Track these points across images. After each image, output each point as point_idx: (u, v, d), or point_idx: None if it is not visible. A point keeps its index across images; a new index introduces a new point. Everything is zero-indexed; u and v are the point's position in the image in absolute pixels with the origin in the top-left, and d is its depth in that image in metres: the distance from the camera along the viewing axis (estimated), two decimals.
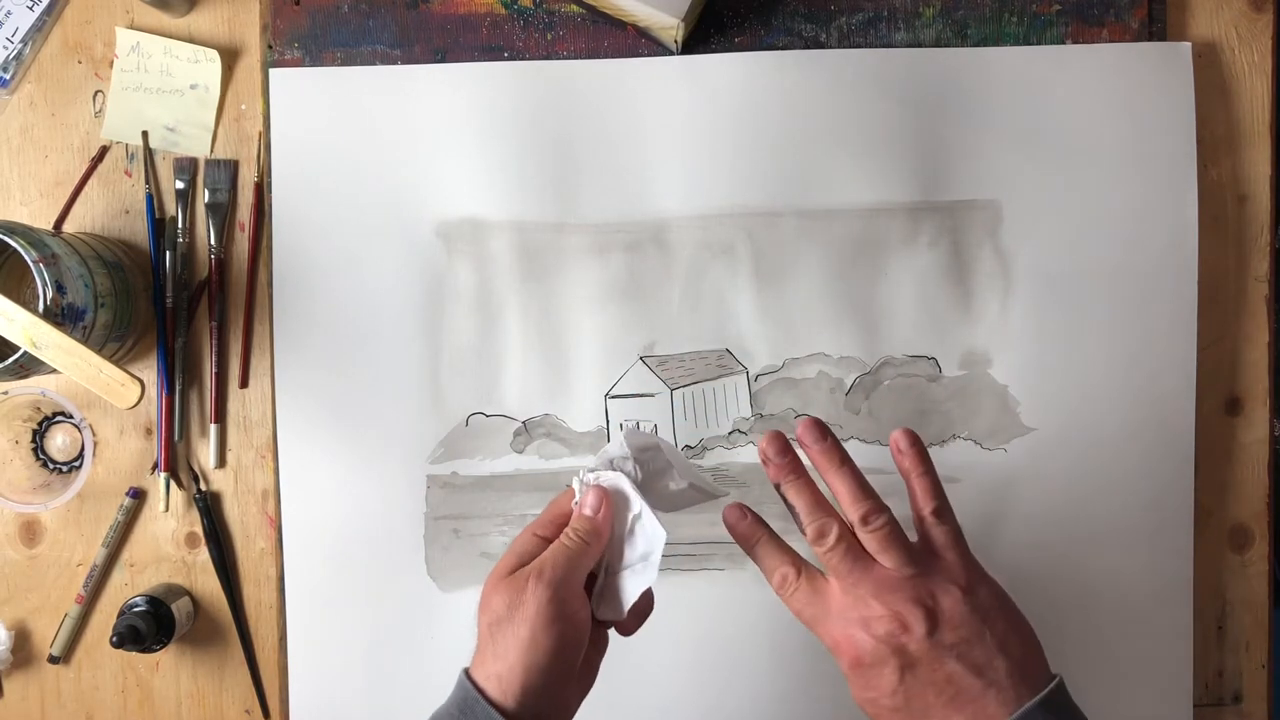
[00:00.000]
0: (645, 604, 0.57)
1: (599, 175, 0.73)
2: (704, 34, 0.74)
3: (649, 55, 0.73)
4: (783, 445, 0.55)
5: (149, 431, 0.75)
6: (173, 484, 0.74)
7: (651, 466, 0.57)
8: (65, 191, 0.74)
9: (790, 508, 0.55)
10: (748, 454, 0.74)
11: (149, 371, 0.74)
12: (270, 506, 0.74)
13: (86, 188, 0.74)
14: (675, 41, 0.71)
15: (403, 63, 0.73)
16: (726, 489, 0.60)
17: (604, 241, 0.73)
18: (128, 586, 0.75)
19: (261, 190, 0.74)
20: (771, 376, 0.74)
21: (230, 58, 0.74)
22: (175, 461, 0.74)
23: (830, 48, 0.74)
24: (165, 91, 0.74)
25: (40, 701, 0.76)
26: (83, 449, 0.74)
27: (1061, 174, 0.73)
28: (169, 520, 0.75)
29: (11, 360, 0.62)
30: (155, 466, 0.74)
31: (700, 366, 0.74)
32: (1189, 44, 0.73)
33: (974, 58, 0.73)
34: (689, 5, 0.68)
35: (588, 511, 0.55)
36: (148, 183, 0.74)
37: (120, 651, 0.71)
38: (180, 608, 0.72)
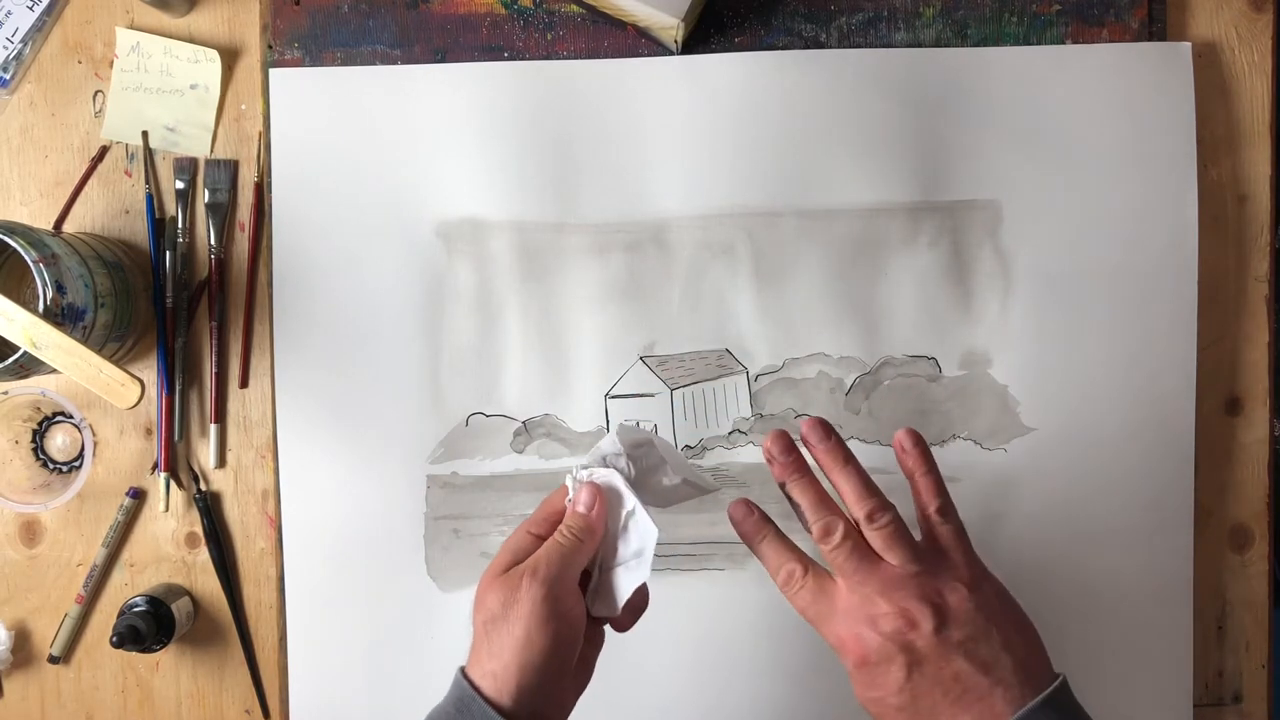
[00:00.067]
0: (640, 600, 0.57)
1: (599, 175, 0.73)
2: (704, 34, 0.74)
3: (649, 55, 0.73)
4: (787, 444, 0.56)
5: (149, 431, 0.75)
6: (173, 484, 0.74)
7: (645, 463, 0.57)
8: (65, 191, 0.74)
9: (795, 506, 0.55)
10: (748, 454, 0.74)
11: (149, 371, 0.74)
12: (270, 506, 0.74)
13: (86, 188, 0.74)
14: (675, 41, 0.71)
15: (403, 63, 0.73)
16: (719, 483, 0.60)
17: (604, 241, 0.73)
18: (128, 586, 0.75)
19: (261, 190, 0.74)
20: (771, 376, 0.74)
21: (230, 58, 0.74)
22: (175, 461, 0.74)
23: (830, 48, 0.74)
24: (165, 91, 0.74)
25: (40, 701, 0.76)
26: (83, 449, 0.74)
27: (1061, 174, 0.73)
28: (169, 520, 0.75)
29: (11, 360, 0.62)
30: (155, 466, 0.74)
31: (700, 366, 0.74)
32: (1189, 44, 0.73)
33: (974, 58, 0.73)
34: (689, 5, 0.68)
35: (581, 508, 0.55)
36: (148, 183, 0.74)
37: (120, 651, 0.71)
38: (180, 608, 0.72)
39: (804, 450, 0.56)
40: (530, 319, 0.73)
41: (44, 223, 0.74)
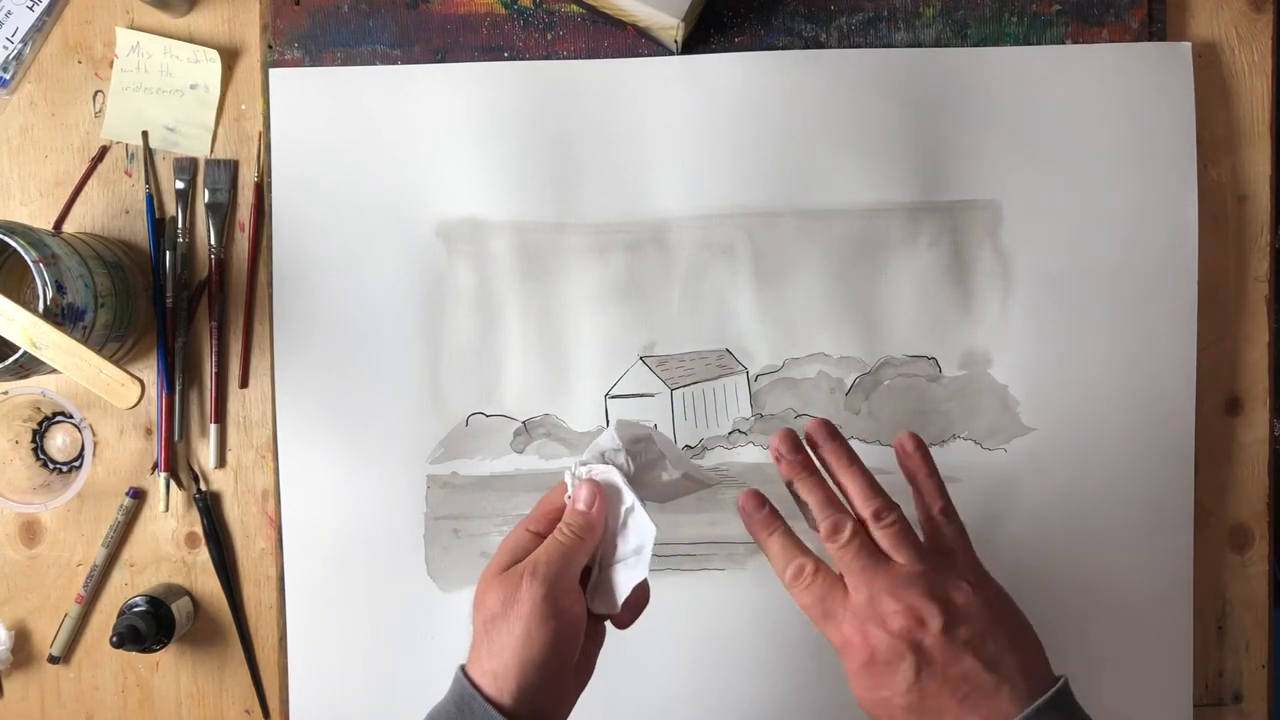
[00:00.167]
0: (640, 597, 0.57)
1: (599, 175, 0.73)
2: (704, 34, 0.74)
3: (649, 55, 0.73)
4: (795, 442, 0.56)
5: (149, 431, 0.75)
6: (173, 484, 0.74)
7: (643, 458, 0.57)
8: (65, 191, 0.74)
9: (802, 504, 0.55)
10: (748, 454, 0.74)
11: (149, 371, 0.74)
12: (270, 506, 0.74)
13: (86, 188, 0.74)
14: (675, 41, 0.71)
15: (403, 63, 0.73)
16: (719, 477, 0.59)
17: (604, 241, 0.73)
18: (128, 586, 0.75)
19: (261, 190, 0.74)
20: (771, 376, 0.74)
21: (230, 58, 0.74)
22: (175, 461, 0.74)
23: (830, 48, 0.74)
24: (165, 91, 0.74)
25: (40, 701, 0.76)
26: (83, 449, 0.74)
27: (1061, 174, 0.73)
28: (169, 520, 0.75)
29: (11, 360, 0.62)
30: (155, 466, 0.74)
31: (700, 366, 0.74)
32: (1189, 44, 0.73)
33: (974, 58, 0.73)
34: (689, 5, 0.68)
35: (580, 506, 0.55)
36: (148, 183, 0.74)
37: (120, 651, 0.71)
38: (180, 608, 0.72)
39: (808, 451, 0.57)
40: (530, 319, 0.73)
41: (44, 223, 0.74)
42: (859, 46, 0.74)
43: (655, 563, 0.55)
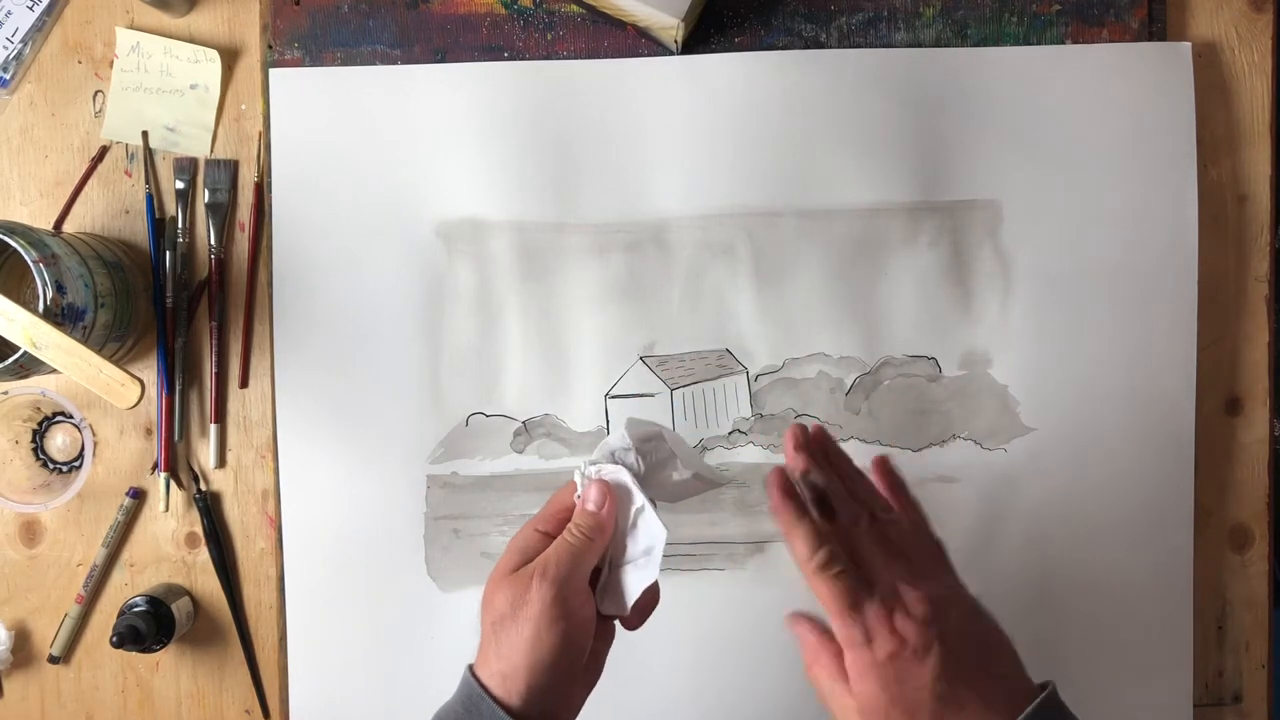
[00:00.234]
0: (650, 598, 0.56)
1: (599, 175, 0.73)
2: (704, 34, 0.74)
3: (649, 55, 0.73)
4: (807, 436, 0.56)
5: (149, 431, 0.75)
6: (173, 484, 0.74)
7: (654, 457, 0.56)
8: (65, 191, 0.74)
9: (815, 496, 0.55)
10: (748, 454, 0.74)
11: (149, 371, 0.74)
12: (270, 506, 0.74)
13: (86, 188, 0.74)
14: (675, 41, 0.71)
15: (403, 63, 0.73)
16: (730, 476, 0.59)
17: (604, 241, 0.73)
18: (128, 586, 0.75)
19: (261, 190, 0.74)
20: (771, 376, 0.74)
21: (230, 58, 0.74)
22: (175, 461, 0.74)
23: (830, 48, 0.74)
24: (165, 91, 0.74)
25: (40, 701, 0.76)
26: (83, 449, 0.74)
27: (1061, 174, 0.73)
28: (169, 520, 0.75)
29: (11, 360, 0.62)
30: (155, 466, 0.74)
31: (700, 366, 0.74)
32: (1189, 44, 0.73)
33: (974, 58, 0.73)
34: (689, 5, 0.68)
35: (590, 506, 0.54)
36: (148, 183, 0.74)
37: (120, 651, 0.71)
38: (180, 608, 0.72)
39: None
40: (530, 319, 0.73)
41: (44, 223, 0.74)
42: (859, 46, 0.74)
43: None
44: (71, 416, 0.74)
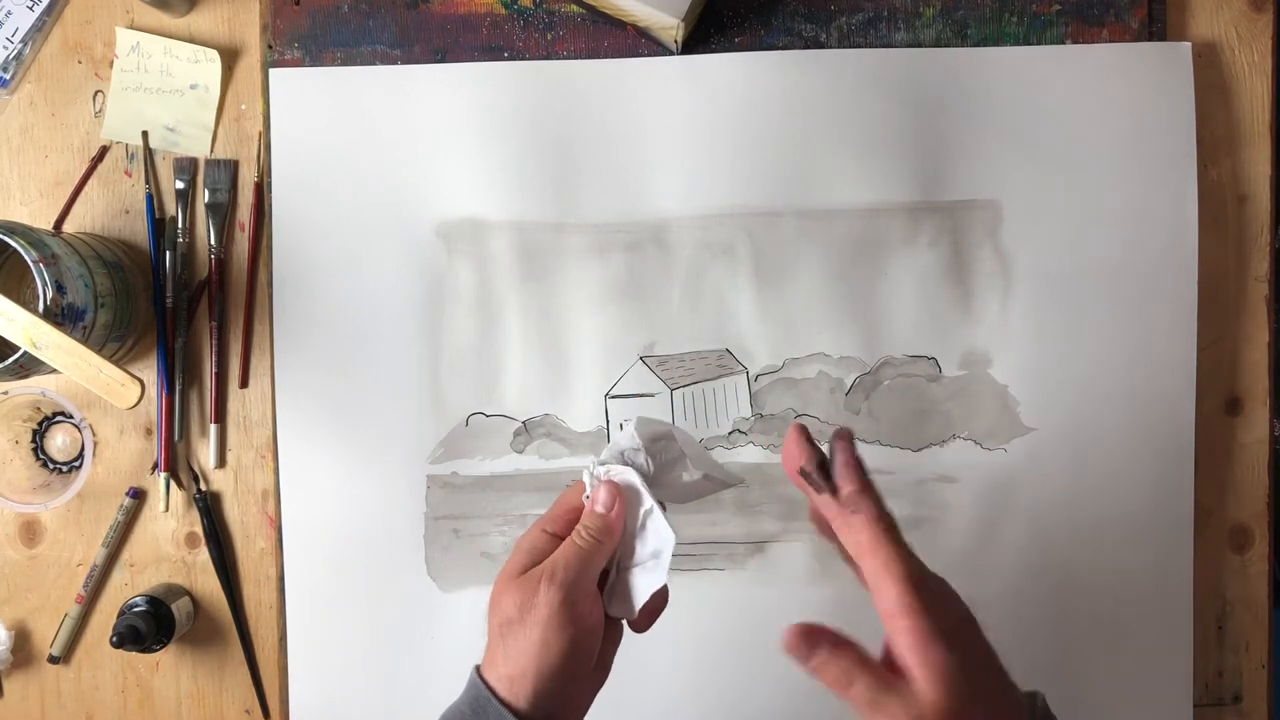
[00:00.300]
0: (658, 601, 0.56)
1: (599, 175, 0.73)
2: (704, 34, 0.74)
3: (649, 55, 0.73)
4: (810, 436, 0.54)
5: (149, 431, 0.75)
6: (173, 484, 0.74)
7: (664, 457, 0.55)
8: (65, 191, 0.74)
9: (827, 486, 0.52)
10: (748, 454, 0.74)
11: (149, 371, 0.74)
12: (270, 506, 0.74)
13: (86, 188, 0.74)
14: (675, 41, 0.71)
15: (403, 63, 0.73)
16: (740, 476, 0.58)
17: (604, 241, 0.73)
18: (128, 586, 0.75)
19: (261, 190, 0.74)
20: (771, 376, 0.74)
21: (230, 58, 0.74)
22: (175, 461, 0.74)
23: (830, 48, 0.74)
24: (165, 91, 0.74)
25: (40, 701, 0.76)
26: (83, 449, 0.74)
27: (1061, 174, 0.73)
28: (169, 520, 0.75)
29: (11, 360, 0.62)
30: (155, 466, 0.74)
31: (700, 366, 0.74)
32: (1189, 44, 0.73)
33: (974, 58, 0.73)
34: (689, 5, 0.68)
35: (599, 508, 0.54)
36: (148, 183, 0.74)
37: (120, 651, 0.71)
38: (180, 608, 0.72)
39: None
40: (530, 319, 0.73)
41: (44, 223, 0.74)
42: (859, 46, 0.74)
43: None
44: (71, 416, 0.74)
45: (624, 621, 0.56)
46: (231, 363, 0.75)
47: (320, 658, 0.73)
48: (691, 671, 0.73)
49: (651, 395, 0.73)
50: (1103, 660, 0.74)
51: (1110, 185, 0.73)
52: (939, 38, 0.74)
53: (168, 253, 0.74)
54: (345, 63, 0.73)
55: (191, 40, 0.74)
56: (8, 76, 0.74)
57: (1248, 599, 0.76)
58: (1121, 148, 0.73)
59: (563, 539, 0.54)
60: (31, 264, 0.62)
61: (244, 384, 0.75)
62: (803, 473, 0.50)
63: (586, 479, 0.55)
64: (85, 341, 0.62)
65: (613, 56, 0.73)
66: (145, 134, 0.74)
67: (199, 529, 0.75)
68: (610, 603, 0.54)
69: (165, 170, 0.75)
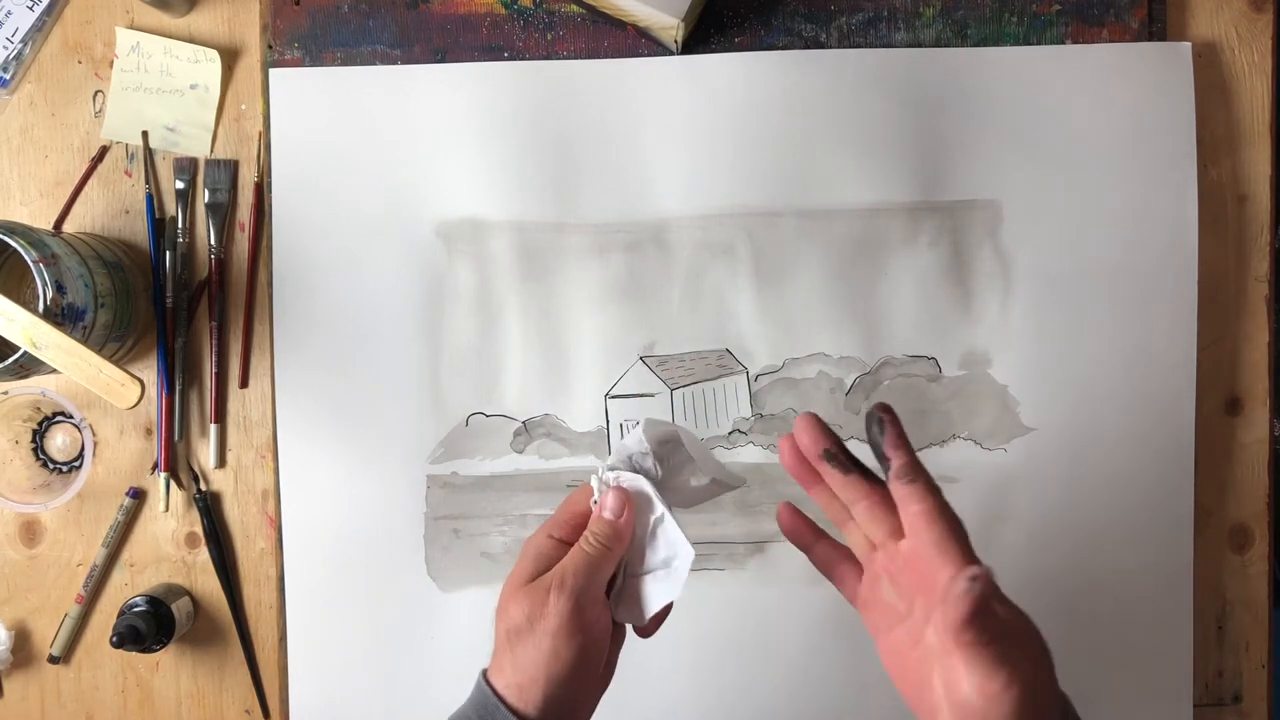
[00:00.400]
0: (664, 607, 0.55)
1: (599, 175, 0.73)
2: (704, 34, 0.74)
3: (649, 55, 0.73)
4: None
5: (149, 431, 0.75)
6: (173, 484, 0.74)
7: (672, 461, 0.55)
8: (65, 191, 0.74)
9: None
10: (748, 454, 0.74)
11: (149, 371, 0.74)
12: (270, 506, 0.74)
13: (86, 188, 0.74)
14: (675, 41, 0.71)
15: (403, 63, 0.73)
16: (744, 478, 0.58)
17: (604, 241, 0.73)
18: (128, 586, 0.75)
19: (261, 190, 0.74)
20: (771, 376, 0.74)
21: (230, 58, 0.74)
22: (175, 461, 0.74)
23: (830, 48, 0.74)
24: (165, 91, 0.74)
25: (40, 701, 0.76)
26: (83, 449, 0.74)
27: (1061, 174, 0.73)
28: (169, 520, 0.75)
29: (11, 360, 0.62)
30: (155, 466, 0.74)
31: (700, 366, 0.74)
32: (1189, 44, 0.73)
33: (974, 58, 0.73)
34: (689, 5, 0.68)
35: (608, 515, 0.53)
36: (148, 183, 0.74)
37: (120, 651, 0.71)
38: (180, 608, 0.72)
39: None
40: (530, 319, 0.73)
41: (44, 223, 0.74)
42: (859, 46, 0.74)
43: None
44: (71, 416, 0.74)
45: (628, 625, 0.56)
46: (231, 363, 0.75)
47: (320, 658, 0.73)
48: (691, 672, 0.73)
49: (651, 395, 0.73)
50: (1103, 660, 0.74)
51: (1110, 185, 0.73)
52: (939, 38, 0.74)
53: (168, 253, 0.74)
54: (345, 63, 0.73)
55: (191, 40, 0.74)
56: (8, 76, 0.74)
57: (1248, 599, 0.76)
58: (1121, 148, 0.73)
59: (569, 545, 0.53)
60: (31, 264, 0.62)
61: (244, 384, 0.75)
62: (828, 455, 0.51)
63: (595, 484, 0.54)
64: (85, 341, 0.62)
65: (613, 56, 0.73)
66: (145, 134, 0.74)
67: (199, 529, 0.75)
68: (618, 608, 0.54)
69: (165, 170, 0.75)
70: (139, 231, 0.75)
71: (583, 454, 0.73)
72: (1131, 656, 0.74)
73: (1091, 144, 0.73)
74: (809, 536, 0.55)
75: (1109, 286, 0.74)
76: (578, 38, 0.74)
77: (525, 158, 0.73)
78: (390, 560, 0.73)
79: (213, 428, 0.74)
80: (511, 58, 0.73)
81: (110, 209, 0.75)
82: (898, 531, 0.50)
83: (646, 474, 0.54)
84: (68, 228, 0.74)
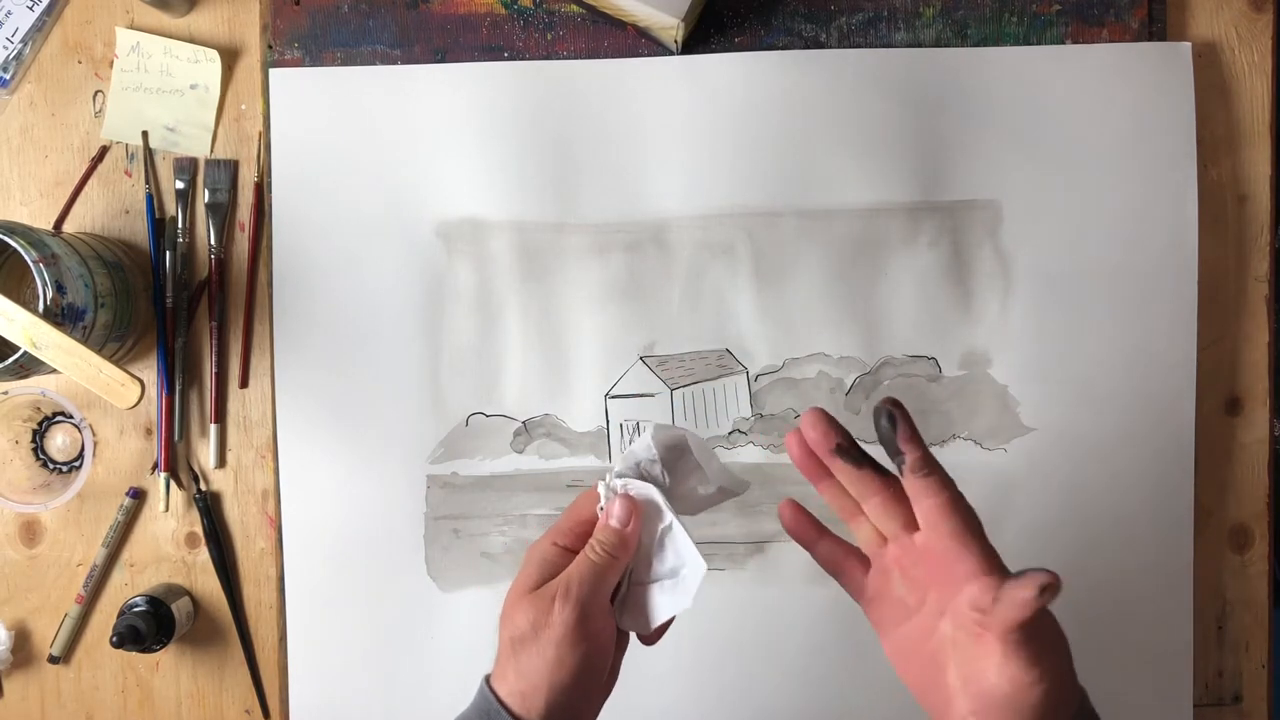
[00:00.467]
0: None
1: (599, 175, 0.73)
2: (704, 34, 0.74)
3: (649, 55, 0.73)
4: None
5: (149, 431, 0.75)
6: (173, 484, 0.74)
7: (679, 469, 0.54)
8: (65, 191, 0.74)
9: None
10: (748, 454, 0.74)
11: (149, 371, 0.74)
12: (270, 506, 0.74)
13: (86, 188, 0.74)
14: (675, 41, 0.71)
15: (403, 63, 0.73)
16: (748, 483, 0.58)
17: (604, 241, 0.73)
18: (128, 586, 0.75)
19: (261, 190, 0.74)
20: (771, 376, 0.74)
21: (230, 58, 0.74)
22: (175, 461, 0.74)
23: (830, 48, 0.74)
24: (165, 91, 0.74)
25: (40, 701, 0.76)
26: (83, 449, 0.74)
27: (1061, 174, 0.73)
28: (169, 520, 0.75)
29: (11, 360, 0.62)
30: (155, 466, 0.74)
31: (700, 366, 0.74)
32: (1189, 44, 0.73)
33: (974, 58, 0.73)
34: (689, 5, 0.68)
35: (615, 523, 0.52)
36: (148, 183, 0.74)
37: (120, 651, 0.71)
38: (180, 608, 0.72)
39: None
40: (530, 319, 0.73)
41: (44, 223, 0.74)
42: (859, 46, 0.74)
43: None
44: (71, 416, 0.74)
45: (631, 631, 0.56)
46: (231, 363, 0.75)
47: (320, 658, 0.73)
48: (691, 672, 0.73)
49: (651, 395, 0.73)
50: (1103, 660, 0.74)
51: (1110, 185, 0.73)
52: (939, 38, 0.74)
53: (168, 253, 0.74)
54: (345, 63, 0.73)
55: (191, 40, 0.74)
56: (8, 76, 0.74)
57: (1248, 599, 0.76)
58: (1121, 148, 0.73)
59: (574, 552, 0.52)
60: (31, 264, 0.62)
61: (244, 384, 0.75)
62: (839, 450, 0.50)
63: (602, 490, 0.54)
64: (85, 341, 0.62)
65: (613, 56, 0.73)
66: (145, 134, 0.74)
67: (199, 529, 0.75)
68: (623, 616, 0.53)
69: (165, 170, 0.75)
70: (139, 231, 0.75)
71: (583, 454, 0.73)
72: (1131, 656, 0.74)
73: (1091, 144, 0.73)
74: (813, 533, 0.55)
75: (1109, 286, 0.74)
76: (578, 38, 0.74)
77: (525, 158, 0.73)
78: (390, 560, 0.73)
79: (213, 428, 0.74)
80: (511, 58, 0.73)
81: (110, 209, 0.75)
82: (911, 524, 0.50)
83: (654, 481, 0.53)
84: (68, 228, 0.74)
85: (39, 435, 0.76)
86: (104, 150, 0.74)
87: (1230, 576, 0.76)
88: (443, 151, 0.73)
